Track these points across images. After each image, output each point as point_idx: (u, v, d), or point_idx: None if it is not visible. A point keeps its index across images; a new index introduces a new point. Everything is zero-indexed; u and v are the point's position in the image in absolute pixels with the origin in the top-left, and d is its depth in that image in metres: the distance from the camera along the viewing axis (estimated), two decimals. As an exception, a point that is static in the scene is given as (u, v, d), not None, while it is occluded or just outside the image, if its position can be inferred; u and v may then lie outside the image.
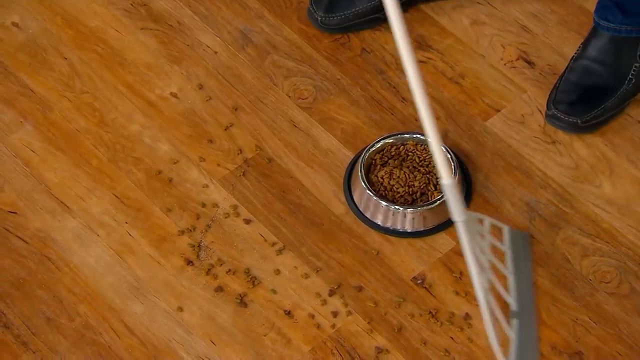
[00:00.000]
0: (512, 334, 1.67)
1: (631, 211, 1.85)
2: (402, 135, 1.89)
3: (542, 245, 1.81)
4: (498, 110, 1.97)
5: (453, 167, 1.84)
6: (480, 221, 1.69)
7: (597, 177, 1.89)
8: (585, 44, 1.93)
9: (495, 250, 1.74)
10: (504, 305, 1.71)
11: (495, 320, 1.62)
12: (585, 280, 1.78)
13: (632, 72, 1.89)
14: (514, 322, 1.70)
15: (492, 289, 1.63)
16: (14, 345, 1.72)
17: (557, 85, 1.93)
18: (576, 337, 1.73)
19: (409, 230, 1.83)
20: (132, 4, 2.11)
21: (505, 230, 1.76)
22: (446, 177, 1.53)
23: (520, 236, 1.80)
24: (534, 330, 1.72)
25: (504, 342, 1.66)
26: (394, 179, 1.85)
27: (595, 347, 1.72)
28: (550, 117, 1.91)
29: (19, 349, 1.71)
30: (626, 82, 1.89)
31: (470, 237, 1.58)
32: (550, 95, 1.93)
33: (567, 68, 1.94)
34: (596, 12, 1.89)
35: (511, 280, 1.73)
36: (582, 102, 1.90)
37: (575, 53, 1.94)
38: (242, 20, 2.09)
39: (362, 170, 1.85)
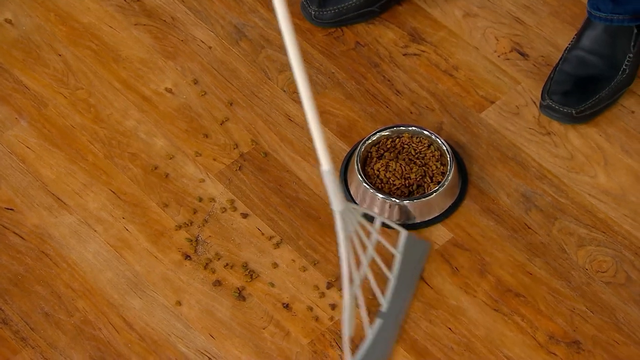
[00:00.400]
0: (369, 332, 1.68)
1: (626, 201, 1.86)
2: (398, 128, 1.89)
3: (539, 235, 1.82)
4: (492, 102, 1.97)
5: (449, 159, 1.85)
6: (371, 219, 1.71)
7: (592, 167, 1.89)
8: (579, 35, 1.94)
9: (384, 251, 1.76)
10: (375, 304, 1.73)
11: (354, 315, 1.63)
12: (582, 270, 1.79)
13: (627, 62, 1.90)
14: (378, 322, 1.71)
15: (364, 285, 1.66)
16: (12, 341, 1.72)
17: (552, 76, 1.94)
18: (573, 326, 1.73)
19: (405, 222, 1.84)
20: (125, 0, 2.11)
21: (402, 235, 1.77)
22: (325, 164, 1.52)
23: (418, 245, 1.80)
24: (392, 337, 1.71)
25: (357, 339, 1.69)
26: (390, 171, 1.85)
27: (593, 336, 1.73)
28: (544, 108, 1.92)
29: (18, 345, 1.72)
30: (620, 72, 1.90)
31: (346, 227, 1.56)
32: (544, 86, 1.94)
33: (561, 59, 1.95)
34: (589, 1, 1.90)
35: (391, 283, 1.74)
36: (577, 92, 1.91)
37: (570, 44, 1.95)
38: (236, 14, 2.09)
39: (359, 163, 1.85)
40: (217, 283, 1.77)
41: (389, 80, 2.01)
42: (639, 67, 1.95)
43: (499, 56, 2.03)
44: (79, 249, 1.81)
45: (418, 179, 1.85)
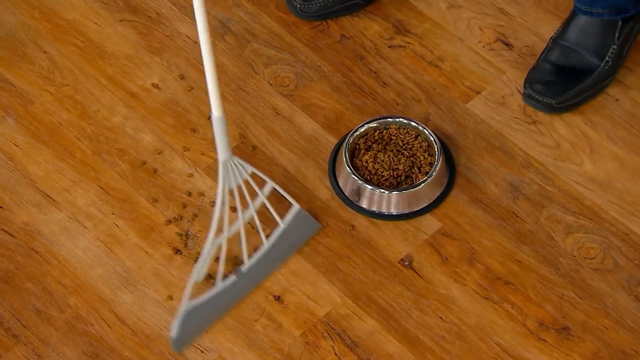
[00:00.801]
0: (219, 284, 1.71)
1: (612, 188, 1.87)
2: (385, 120, 1.90)
3: (527, 223, 1.83)
4: (478, 92, 1.98)
5: (437, 149, 1.86)
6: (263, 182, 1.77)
7: (578, 155, 1.91)
8: (564, 25, 1.95)
9: (269, 218, 1.80)
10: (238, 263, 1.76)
11: (208, 264, 1.71)
12: (570, 257, 1.80)
13: (610, 54, 1.92)
14: (231, 278, 1.73)
15: (233, 240, 1.73)
16: (4, 338, 1.72)
17: (535, 65, 1.95)
18: (563, 312, 1.75)
19: (394, 213, 1.85)
20: (109, -4, 2.11)
21: (293, 209, 1.78)
22: (216, 110, 1.59)
23: (307, 223, 1.80)
24: (236, 297, 1.74)
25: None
26: (378, 162, 1.86)
27: (582, 322, 1.74)
28: (526, 97, 1.93)
29: (10, 342, 1.72)
30: (603, 63, 1.92)
31: (226, 178, 1.65)
32: (527, 75, 1.95)
33: (545, 49, 1.96)
34: None
35: (263, 249, 1.76)
36: (558, 82, 1.92)
37: (555, 34, 1.96)
38: (221, 9, 2.10)
39: (347, 155, 1.86)
40: (208, 277, 1.78)
41: (375, 73, 2.01)
42: (623, 57, 1.96)
43: (483, 47, 2.04)
44: (69, 245, 1.81)
45: (406, 170, 1.86)
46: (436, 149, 1.86)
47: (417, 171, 1.87)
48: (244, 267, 1.74)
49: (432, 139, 1.87)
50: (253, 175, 1.73)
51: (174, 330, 1.68)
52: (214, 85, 1.54)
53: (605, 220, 1.84)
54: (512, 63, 2.02)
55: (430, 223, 1.84)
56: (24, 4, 2.10)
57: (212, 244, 1.68)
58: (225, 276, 1.73)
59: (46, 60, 2.03)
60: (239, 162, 1.67)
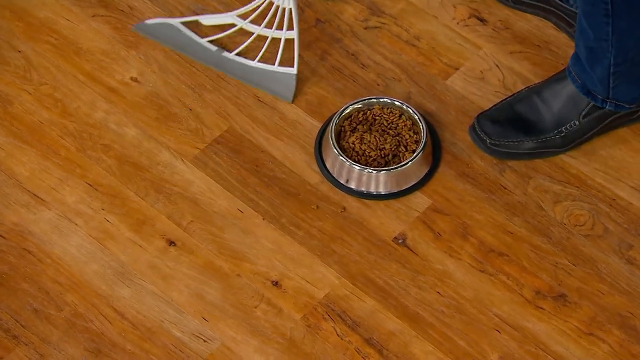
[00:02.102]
0: (203, 40, 2.00)
1: (596, 155, 1.90)
2: (370, 100, 1.91)
3: (515, 195, 1.86)
4: (457, 69, 2.00)
5: (422, 127, 1.87)
6: None
7: (560, 125, 1.93)
8: (546, 81, 1.89)
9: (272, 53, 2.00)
10: None
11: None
12: (560, 225, 1.83)
13: (568, 127, 1.87)
14: (213, 46, 2.00)
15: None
16: (5, 339, 1.71)
17: (498, 104, 1.91)
18: (558, 280, 1.77)
19: (382, 193, 1.86)
20: (80, -8, 2.10)
21: (291, 70, 1.96)
22: None
23: (287, 86, 1.97)
24: (195, 55, 2.00)
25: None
26: (365, 143, 1.87)
27: (577, 287, 1.77)
28: (469, 127, 1.90)
29: (11, 343, 1.70)
30: (556, 132, 1.87)
31: None
32: (486, 110, 1.91)
33: (516, 94, 1.91)
34: (571, 56, 1.86)
35: (249, 62, 1.99)
36: (505, 126, 1.87)
37: (534, 84, 1.91)
38: (194, 1, 2.09)
39: (333, 137, 1.87)
40: (204, 266, 1.78)
41: (353, 55, 2.02)
42: (579, 140, 1.89)
43: (458, 23, 2.06)
44: (62, 244, 1.80)
45: (393, 149, 1.88)
46: (421, 126, 1.88)
47: (404, 149, 1.88)
48: (228, 53, 1.97)
49: (416, 117, 1.89)
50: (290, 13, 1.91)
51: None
52: None
53: (591, 187, 1.86)
54: (487, 38, 2.04)
55: (420, 200, 1.85)
56: (-7, 4, 2.08)
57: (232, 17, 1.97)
58: (211, 41, 1.99)
59: (21, 59, 2.01)
60: None
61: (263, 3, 1.94)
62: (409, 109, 1.90)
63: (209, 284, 1.77)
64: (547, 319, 1.73)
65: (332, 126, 1.88)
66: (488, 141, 1.87)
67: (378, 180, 1.85)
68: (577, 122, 1.85)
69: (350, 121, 1.90)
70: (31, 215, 1.83)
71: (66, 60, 2.01)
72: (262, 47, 1.96)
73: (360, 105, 1.91)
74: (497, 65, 2.00)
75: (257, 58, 1.96)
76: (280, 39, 1.96)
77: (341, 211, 1.84)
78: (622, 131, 1.92)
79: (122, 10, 2.08)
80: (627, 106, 1.84)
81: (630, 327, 1.72)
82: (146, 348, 1.71)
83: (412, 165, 1.85)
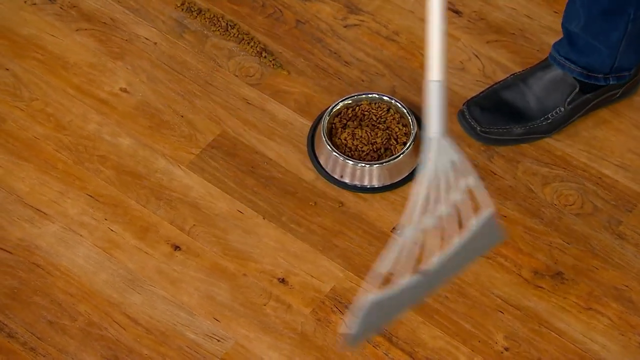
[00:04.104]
0: (402, 282, 1.42)
1: (579, 136, 1.97)
2: (358, 96, 1.96)
3: (505, 180, 1.92)
4: (438, 61, 2.05)
5: (411, 120, 1.93)
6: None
7: (542, 109, 2.00)
8: (530, 70, 1.95)
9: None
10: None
11: (398, 257, 1.40)
12: (551, 206, 1.89)
13: (554, 113, 1.93)
14: (415, 277, 1.43)
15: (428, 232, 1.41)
16: (22, 352, 1.74)
17: (485, 91, 1.97)
18: (554, 259, 1.84)
19: (376, 186, 1.91)
20: (61, 7, 2.12)
21: (487, 210, 1.46)
22: (436, 74, 1.41)
23: (494, 229, 1.51)
24: (411, 300, 1.52)
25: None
26: (357, 139, 1.93)
27: (573, 265, 1.83)
28: (459, 112, 1.96)
29: (29, 356, 1.73)
30: (543, 118, 1.93)
31: (438, 158, 1.40)
32: (473, 96, 1.97)
33: (502, 81, 1.97)
34: (554, 43, 1.92)
35: (453, 247, 1.45)
36: (494, 113, 1.94)
37: (519, 72, 1.97)
38: (173, 8, 2.13)
39: (325, 135, 1.92)
40: (211, 268, 1.82)
41: (335, 53, 2.07)
42: (564, 125, 1.95)
43: (434, 17, 2.11)
44: (69, 255, 1.83)
45: (384, 142, 1.93)
46: (410, 119, 1.93)
47: (395, 142, 1.93)
48: (430, 267, 1.44)
49: (404, 110, 1.94)
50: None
51: (353, 325, 1.44)
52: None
53: (577, 167, 1.93)
54: (464, 29, 2.10)
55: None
56: (-24, 24, 2.10)
57: (409, 234, 1.38)
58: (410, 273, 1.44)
59: (10, 77, 2.04)
60: (450, 142, 1.40)
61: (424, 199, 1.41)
62: (397, 103, 1.95)
63: (217, 285, 1.81)
64: (547, 297, 1.80)
65: (324, 124, 1.93)
66: (478, 128, 1.93)
67: (372, 174, 1.90)
68: (562, 109, 1.92)
69: (341, 118, 1.96)
70: (36, 230, 1.86)
71: (55, 75, 2.04)
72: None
73: (349, 102, 1.96)
74: (475, 55, 2.06)
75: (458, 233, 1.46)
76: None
77: (339, 206, 1.89)
78: (602, 112, 1.99)
79: (105, 23, 2.11)
80: (627, 74, 1.90)
81: (627, 299, 1.80)
82: (162, 352, 1.74)
83: (404, 158, 1.91)
